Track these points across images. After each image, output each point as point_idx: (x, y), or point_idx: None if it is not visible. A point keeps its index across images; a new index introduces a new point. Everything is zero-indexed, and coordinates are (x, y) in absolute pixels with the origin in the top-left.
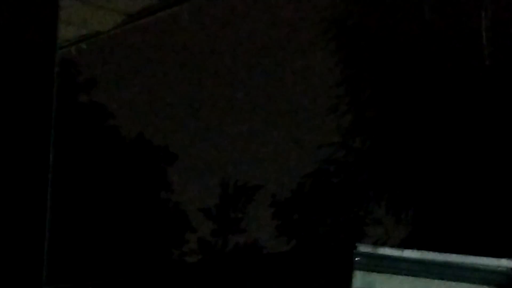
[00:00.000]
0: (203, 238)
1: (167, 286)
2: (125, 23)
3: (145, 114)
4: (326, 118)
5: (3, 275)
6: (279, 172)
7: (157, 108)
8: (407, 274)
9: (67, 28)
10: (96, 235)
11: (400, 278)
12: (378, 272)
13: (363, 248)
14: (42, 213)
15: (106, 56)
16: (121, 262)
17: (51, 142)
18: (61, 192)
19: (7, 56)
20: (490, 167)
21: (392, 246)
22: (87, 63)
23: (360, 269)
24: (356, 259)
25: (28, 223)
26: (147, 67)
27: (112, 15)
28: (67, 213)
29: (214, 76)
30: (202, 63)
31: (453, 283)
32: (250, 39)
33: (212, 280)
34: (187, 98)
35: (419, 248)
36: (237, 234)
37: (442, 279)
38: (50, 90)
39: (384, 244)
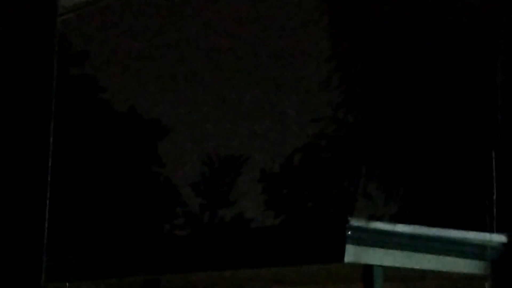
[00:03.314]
0: (192, 212)
1: (158, 259)
2: None
3: (137, 88)
4: (318, 93)
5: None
6: (269, 147)
7: (148, 82)
8: (399, 248)
9: None
10: (87, 208)
11: (392, 252)
12: (370, 246)
13: (355, 222)
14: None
15: (99, 26)
16: (113, 235)
17: (51, 116)
18: (53, 167)
19: (6, 25)
20: (481, 142)
21: (383, 221)
22: (78, 33)
23: (352, 243)
24: (348, 233)
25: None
26: (140, 39)
27: None
28: (59, 187)
29: (207, 50)
30: (197, 36)
31: (445, 257)
32: (243, 13)
33: (201, 253)
34: (180, 71)
35: (409, 223)
36: (226, 208)
37: (434, 253)
38: (51, 60)
39: (374, 219)
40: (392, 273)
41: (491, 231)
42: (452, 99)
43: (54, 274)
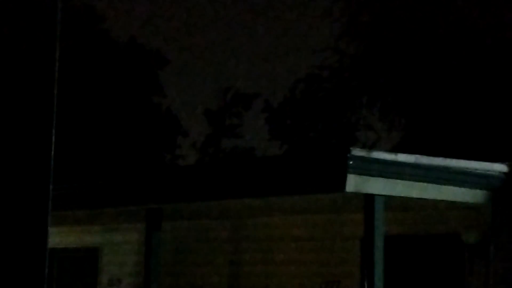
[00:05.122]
0: (194, 142)
1: (160, 189)
2: None
3: (137, 18)
4: (320, 23)
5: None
6: (272, 77)
7: (149, 12)
8: (401, 177)
9: None
10: (89, 139)
11: (394, 181)
12: (372, 175)
13: (357, 152)
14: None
15: None
16: (115, 165)
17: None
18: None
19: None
20: (481, 73)
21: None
22: None
23: (353, 172)
24: (350, 162)
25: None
26: None
27: None
28: (63, 119)
29: None
30: None
31: (446, 187)
32: None
33: (204, 183)
34: (182, 2)
35: (411, 153)
36: (231, 139)
37: (435, 182)
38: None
39: (376, 149)
40: (393, 202)
41: (492, 160)
42: (454, 29)
43: (57, 203)
